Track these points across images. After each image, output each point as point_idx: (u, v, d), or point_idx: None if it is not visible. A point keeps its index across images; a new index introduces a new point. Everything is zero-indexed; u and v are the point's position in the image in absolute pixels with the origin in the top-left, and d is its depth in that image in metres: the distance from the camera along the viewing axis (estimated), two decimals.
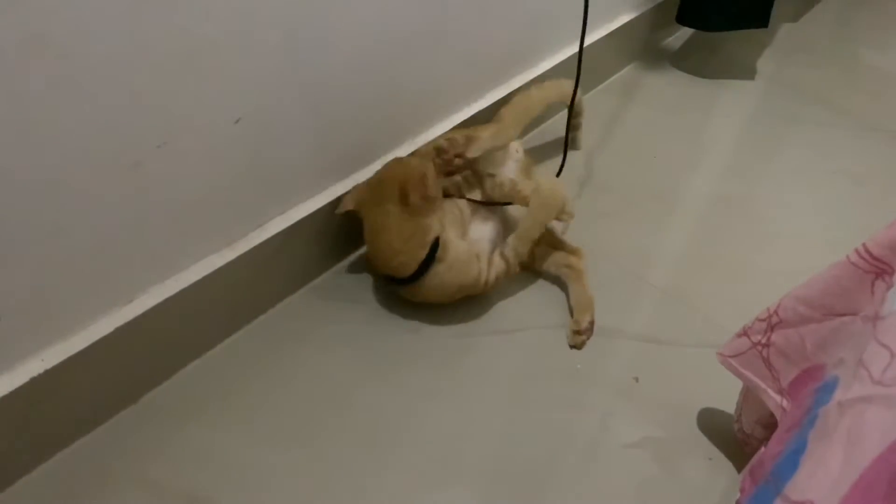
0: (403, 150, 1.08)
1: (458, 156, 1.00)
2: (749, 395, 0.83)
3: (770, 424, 0.77)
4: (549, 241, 1.07)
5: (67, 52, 0.64)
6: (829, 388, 0.62)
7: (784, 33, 1.75)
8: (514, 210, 1.06)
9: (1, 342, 0.73)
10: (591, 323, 1.00)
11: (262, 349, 0.95)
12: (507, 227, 1.06)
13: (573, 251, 1.07)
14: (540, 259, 1.06)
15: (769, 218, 1.23)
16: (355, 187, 0.99)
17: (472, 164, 1.04)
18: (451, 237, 0.97)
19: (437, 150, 0.97)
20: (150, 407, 0.88)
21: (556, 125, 1.39)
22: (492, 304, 1.03)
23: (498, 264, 0.98)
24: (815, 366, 0.70)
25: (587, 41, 1.38)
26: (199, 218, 0.86)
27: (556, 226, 1.07)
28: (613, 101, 1.46)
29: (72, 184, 0.70)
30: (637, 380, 0.95)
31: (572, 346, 0.99)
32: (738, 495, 0.74)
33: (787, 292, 0.73)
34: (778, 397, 0.75)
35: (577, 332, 0.99)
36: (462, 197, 1.04)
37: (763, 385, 0.77)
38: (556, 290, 1.06)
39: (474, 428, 0.89)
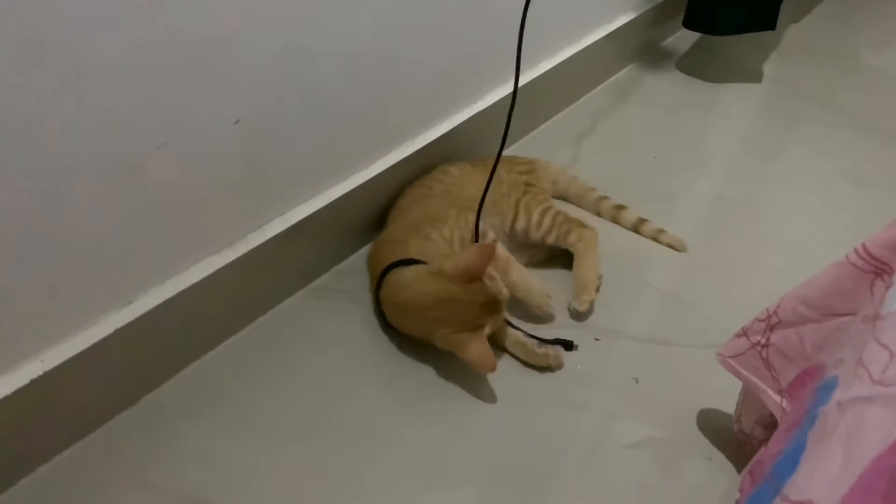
0: (402, 152, 1.08)
1: None
2: (749, 395, 0.83)
3: (770, 425, 0.77)
4: (565, 219, 1.08)
5: (67, 54, 0.64)
6: (828, 387, 0.62)
7: (785, 34, 1.75)
8: None
9: (1, 343, 0.73)
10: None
11: (262, 350, 0.95)
12: None
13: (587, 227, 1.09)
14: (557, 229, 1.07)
15: (769, 218, 1.23)
16: None
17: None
18: None
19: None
20: (149, 408, 0.88)
21: None
22: None
23: None
24: (814, 366, 0.70)
25: (586, 41, 1.39)
26: (199, 219, 0.86)
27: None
28: (613, 102, 1.46)
29: (71, 185, 0.70)
30: (637, 380, 0.95)
31: (578, 309, 1.01)
32: (738, 495, 0.74)
33: (787, 292, 0.73)
34: (777, 397, 0.75)
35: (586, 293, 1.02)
36: None
37: (763, 385, 0.77)
38: (554, 291, 1.06)
39: (474, 428, 0.89)
